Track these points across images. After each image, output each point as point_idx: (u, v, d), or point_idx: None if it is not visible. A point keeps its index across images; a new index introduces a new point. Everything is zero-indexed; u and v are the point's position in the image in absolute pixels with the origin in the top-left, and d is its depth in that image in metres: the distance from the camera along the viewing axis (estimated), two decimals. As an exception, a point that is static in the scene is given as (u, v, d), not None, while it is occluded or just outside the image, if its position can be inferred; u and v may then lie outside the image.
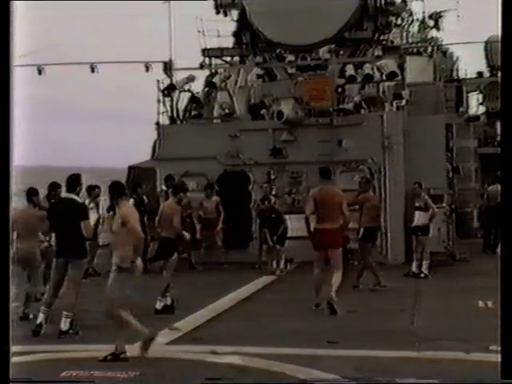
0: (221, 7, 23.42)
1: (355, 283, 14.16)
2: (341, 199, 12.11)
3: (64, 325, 9.97)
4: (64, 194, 10.48)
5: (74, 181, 10.34)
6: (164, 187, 18.88)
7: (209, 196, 18.33)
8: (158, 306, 11.90)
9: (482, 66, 30.01)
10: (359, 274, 14.39)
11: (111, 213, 12.12)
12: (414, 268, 16.04)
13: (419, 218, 16.21)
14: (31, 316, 11.06)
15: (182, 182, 15.69)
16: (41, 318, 10.06)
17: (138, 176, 23.82)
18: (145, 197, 18.42)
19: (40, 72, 21.84)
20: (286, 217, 17.42)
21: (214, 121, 22.34)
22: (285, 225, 17.05)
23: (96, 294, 13.28)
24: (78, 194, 10.47)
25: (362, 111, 20.24)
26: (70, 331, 9.97)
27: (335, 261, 12.01)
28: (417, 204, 16.29)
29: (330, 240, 11.92)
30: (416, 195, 16.37)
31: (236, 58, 24.48)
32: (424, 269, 15.91)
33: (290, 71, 21.55)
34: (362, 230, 14.61)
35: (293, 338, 9.61)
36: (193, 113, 21.50)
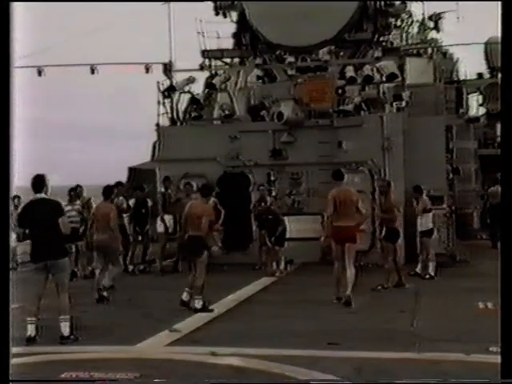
0: (220, 9, 23.45)
1: (385, 284, 14.28)
2: (357, 198, 13.13)
3: (64, 329, 9.73)
4: (33, 196, 10.10)
5: (39, 182, 9.99)
6: (162, 189, 18.89)
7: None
8: (197, 304, 12.01)
9: (482, 67, 29.98)
10: (387, 275, 14.48)
11: None
12: (418, 269, 16.05)
13: (422, 221, 16.24)
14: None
15: (210, 185, 15.76)
16: (29, 330, 9.66)
17: (139, 177, 23.84)
18: (148, 199, 18.45)
19: (40, 73, 21.88)
20: (286, 218, 17.44)
21: (214, 122, 22.33)
22: (283, 225, 17.03)
23: (93, 295, 13.37)
24: (45, 194, 10.20)
25: (362, 112, 20.23)
26: (72, 337, 9.75)
27: (350, 255, 12.93)
28: (419, 208, 16.29)
29: (347, 236, 12.88)
30: (416, 199, 16.32)
31: (236, 60, 24.50)
32: (430, 270, 15.95)
33: (289, 72, 21.54)
34: (384, 230, 14.92)
35: (293, 340, 9.60)
36: (193, 114, 21.49)
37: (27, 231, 10.52)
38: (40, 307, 9.89)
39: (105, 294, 13.34)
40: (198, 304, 12.03)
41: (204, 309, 11.99)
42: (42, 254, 9.87)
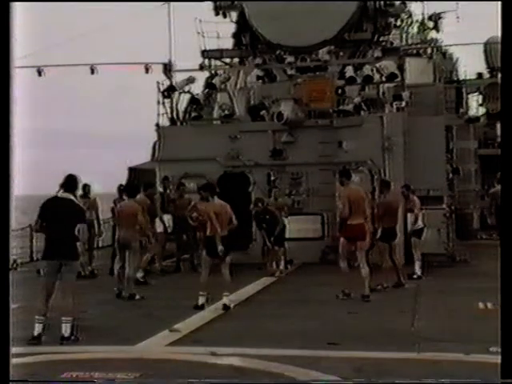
0: (220, 9, 23.48)
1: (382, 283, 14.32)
2: (365, 196, 13.72)
3: (65, 330, 9.64)
4: (61, 193, 10.12)
5: (72, 181, 10.07)
6: (161, 189, 18.86)
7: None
8: (228, 302, 12.14)
9: (481, 67, 30.06)
10: (384, 274, 14.55)
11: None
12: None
13: (411, 220, 16.19)
14: (138, 297, 13.48)
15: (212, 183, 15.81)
16: (37, 328, 9.63)
17: (139, 178, 23.85)
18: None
19: (40, 73, 21.89)
20: (285, 218, 17.42)
21: (214, 122, 22.35)
22: (281, 225, 16.99)
23: (94, 295, 13.38)
24: (75, 196, 10.27)
25: (362, 112, 20.25)
26: (72, 337, 9.68)
27: (363, 253, 13.41)
28: (407, 206, 16.23)
29: (359, 233, 13.30)
30: (405, 198, 16.18)
31: (236, 60, 24.51)
32: (417, 270, 15.89)
33: (289, 72, 21.56)
34: (380, 231, 14.86)
35: (293, 340, 9.60)
36: (193, 114, 21.50)
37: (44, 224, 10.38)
38: (49, 306, 9.86)
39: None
40: (228, 300, 12.17)
41: (229, 306, 12.13)
42: (57, 253, 9.83)
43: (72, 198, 10.08)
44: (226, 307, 12.06)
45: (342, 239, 13.41)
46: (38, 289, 10.08)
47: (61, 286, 9.93)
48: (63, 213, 9.92)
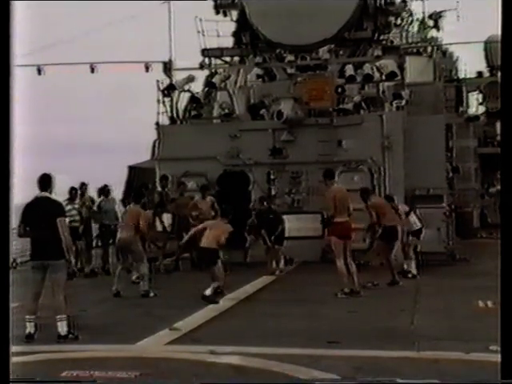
0: (220, 7, 23.47)
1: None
2: (348, 196, 13.88)
3: (61, 329, 9.68)
4: (38, 194, 10.10)
5: (46, 180, 10.04)
6: (159, 188, 18.84)
7: (204, 197, 18.16)
8: (207, 291, 12.65)
9: (481, 65, 30.05)
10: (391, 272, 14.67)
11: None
12: (405, 267, 16.03)
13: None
14: (152, 294, 13.71)
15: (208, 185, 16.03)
16: (29, 327, 9.69)
17: (139, 176, 23.83)
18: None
19: (40, 72, 21.89)
20: (285, 217, 17.43)
21: (214, 121, 22.35)
22: (283, 225, 17.01)
23: (94, 294, 13.38)
24: (50, 193, 10.17)
25: (362, 111, 20.25)
26: (70, 336, 9.70)
27: (350, 250, 13.60)
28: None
29: (348, 231, 13.56)
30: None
31: (236, 58, 24.51)
32: (412, 269, 15.88)
33: (289, 71, 21.57)
34: (380, 230, 14.96)
35: (293, 338, 9.60)
36: (192, 113, 21.51)
37: (28, 228, 10.39)
38: (38, 305, 9.90)
39: (150, 292, 13.82)
40: (208, 291, 12.61)
41: (209, 297, 12.50)
42: (39, 254, 9.90)
43: (47, 195, 10.04)
44: (203, 297, 12.53)
45: (333, 238, 13.54)
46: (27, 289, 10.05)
47: (50, 285, 9.91)
48: (42, 212, 9.93)
